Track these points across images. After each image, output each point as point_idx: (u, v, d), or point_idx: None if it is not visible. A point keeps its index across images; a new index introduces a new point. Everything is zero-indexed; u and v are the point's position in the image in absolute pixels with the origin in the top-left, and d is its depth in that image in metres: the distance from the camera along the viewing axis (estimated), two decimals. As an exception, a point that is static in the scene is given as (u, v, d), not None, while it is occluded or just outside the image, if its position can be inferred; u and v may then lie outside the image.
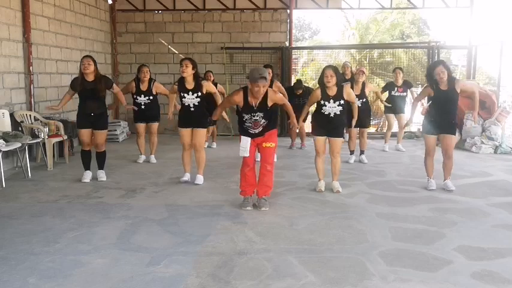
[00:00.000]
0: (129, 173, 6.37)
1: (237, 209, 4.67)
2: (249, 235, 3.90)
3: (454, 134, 5.46)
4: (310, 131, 10.49)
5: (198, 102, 5.54)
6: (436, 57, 10.38)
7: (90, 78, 5.59)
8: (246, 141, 4.58)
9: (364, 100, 7.14)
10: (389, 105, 8.25)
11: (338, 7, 11.92)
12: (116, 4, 10.71)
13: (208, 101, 5.83)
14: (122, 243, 3.71)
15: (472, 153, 8.17)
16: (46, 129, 6.77)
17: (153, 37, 10.86)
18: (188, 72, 5.43)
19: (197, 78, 5.55)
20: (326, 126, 5.27)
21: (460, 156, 7.81)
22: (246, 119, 4.55)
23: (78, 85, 5.63)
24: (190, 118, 5.63)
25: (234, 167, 6.66)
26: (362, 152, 7.34)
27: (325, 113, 5.20)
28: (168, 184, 5.75)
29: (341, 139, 5.40)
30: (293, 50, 11.05)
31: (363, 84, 7.12)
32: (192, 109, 5.56)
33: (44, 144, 6.71)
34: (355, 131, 7.26)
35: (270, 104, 4.51)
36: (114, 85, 5.97)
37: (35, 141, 6.60)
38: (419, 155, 8.01)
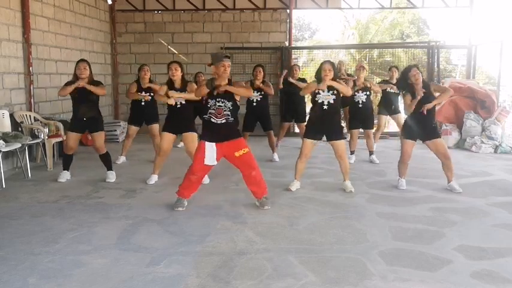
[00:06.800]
0: (129, 173, 6.37)
1: (237, 209, 4.68)
2: (249, 235, 3.90)
3: (440, 136, 5.49)
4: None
5: (184, 100, 5.58)
6: (436, 56, 10.40)
7: (84, 81, 5.64)
8: (210, 147, 4.51)
9: (368, 93, 7.10)
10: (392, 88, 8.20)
11: (338, 7, 11.93)
12: (115, 4, 10.70)
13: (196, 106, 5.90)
14: (122, 243, 3.71)
15: (472, 153, 8.17)
16: (46, 130, 6.78)
17: (153, 37, 10.86)
18: (178, 75, 5.59)
19: (184, 79, 5.69)
20: (321, 126, 5.26)
21: (460, 155, 7.82)
22: (210, 105, 4.52)
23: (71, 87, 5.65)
24: (177, 120, 5.63)
25: (234, 167, 6.64)
26: (371, 153, 7.34)
27: (319, 101, 5.19)
28: (168, 184, 5.74)
29: (343, 141, 5.38)
30: (293, 50, 11.05)
31: (365, 80, 7.15)
32: (178, 106, 5.57)
33: (43, 144, 6.71)
34: (357, 132, 7.24)
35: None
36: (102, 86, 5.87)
37: (34, 141, 6.60)
38: (419, 154, 7.99)
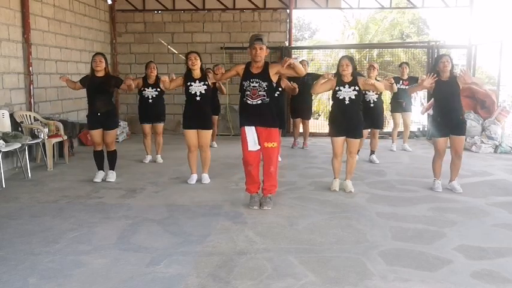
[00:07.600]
0: (129, 173, 6.37)
1: (237, 209, 4.68)
2: (249, 235, 3.90)
3: (464, 134, 5.41)
4: (317, 132, 10.56)
5: (204, 90, 5.60)
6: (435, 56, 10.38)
7: (100, 74, 5.73)
8: (251, 132, 4.56)
9: (379, 93, 7.03)
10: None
11: (337, 7, 11.91)
12: (115, 4, 10.70)
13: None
14: (122, 243, 3.71)
15: (472, 153, 8.16)
16: (46, 130, 6.77)
17: (153, 37, 10.86)
18: (198, 65, 5.59)
19: (202, 69, 5.71)
20: (344, 122, 5.23)
21: (460, 155, 7.81)
22: (245, 87, 4.56)
23: (88, 80, 5.79)
24: (196, 112, 5.62)
25: (234, 167, 6.66)
26: (372, 152, 7.31)
27: (340, 97, 5.18)
28: (168, 184, 5.75)
29: (359, 140, 5.40)
30: (293, 50, 11.05)
31: (376, 80, 7.10)
32: (198, 98, 5.57)
33: (43, 144, 6.71)
34: (366, 132, 7.15)
35: (271, 72, 4.53)
36: (123, 85, 5.93)
37: (34, 141, 6.60)
38: (420, 154, 8.02)
